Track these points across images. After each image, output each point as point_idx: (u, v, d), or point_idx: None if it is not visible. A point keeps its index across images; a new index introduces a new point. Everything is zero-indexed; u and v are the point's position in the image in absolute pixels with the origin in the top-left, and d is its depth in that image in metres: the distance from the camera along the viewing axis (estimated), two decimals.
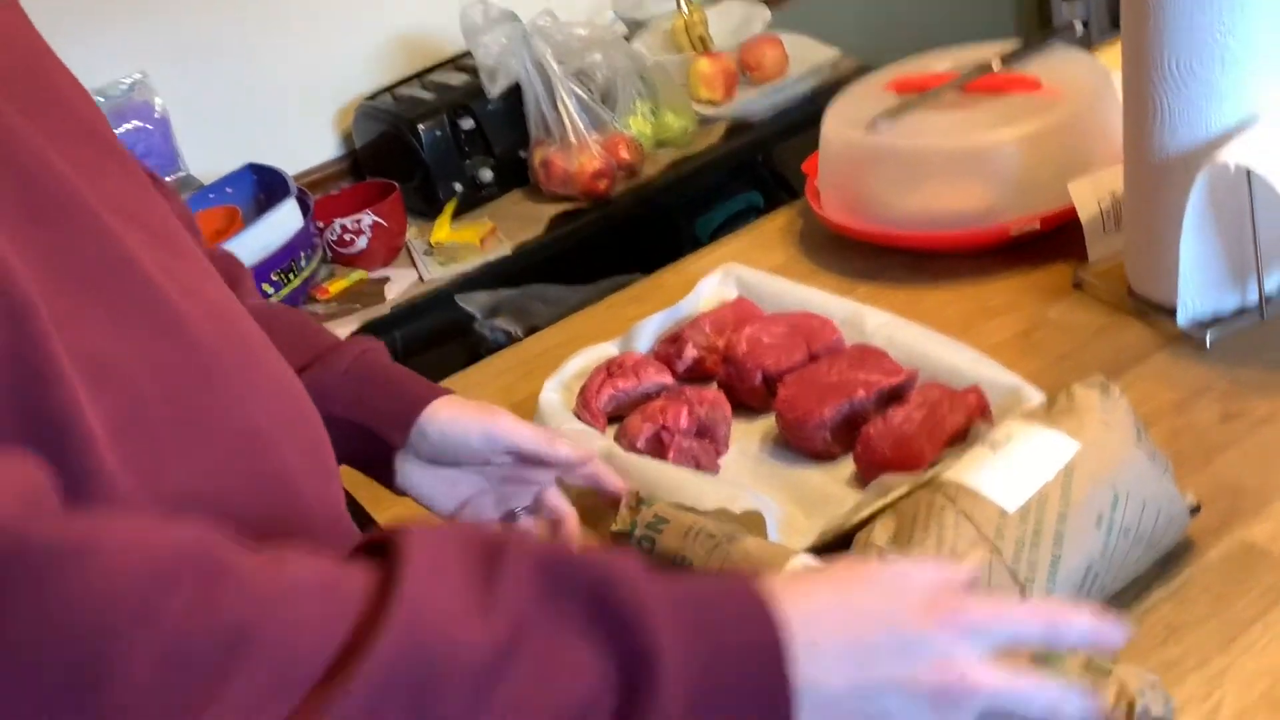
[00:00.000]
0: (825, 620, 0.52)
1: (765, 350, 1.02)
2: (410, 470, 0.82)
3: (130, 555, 0.44)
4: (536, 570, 0.50)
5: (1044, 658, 0.58)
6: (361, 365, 0.82)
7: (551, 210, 1.93)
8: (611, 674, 0.48)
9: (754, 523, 0.82)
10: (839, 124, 1.25)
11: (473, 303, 1.72)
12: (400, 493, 0.83)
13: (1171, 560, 0.78)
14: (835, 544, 0.83)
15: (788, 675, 0.50)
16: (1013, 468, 0.77)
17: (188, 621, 0.44)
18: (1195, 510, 0.79)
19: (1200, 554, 0.78)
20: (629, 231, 1.97)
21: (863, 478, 0.91)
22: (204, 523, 0.48)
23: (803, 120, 1.97)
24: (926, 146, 1.16)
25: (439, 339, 1.86)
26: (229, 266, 0.82)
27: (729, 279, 1.17)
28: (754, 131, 2.04)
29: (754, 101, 2.05)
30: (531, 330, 1.69)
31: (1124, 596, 0.76)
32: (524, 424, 0.82)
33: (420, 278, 1.86)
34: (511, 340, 1.68)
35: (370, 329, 1.75)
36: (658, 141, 2.00)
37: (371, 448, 0.80)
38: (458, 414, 0.81)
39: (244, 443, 0.57)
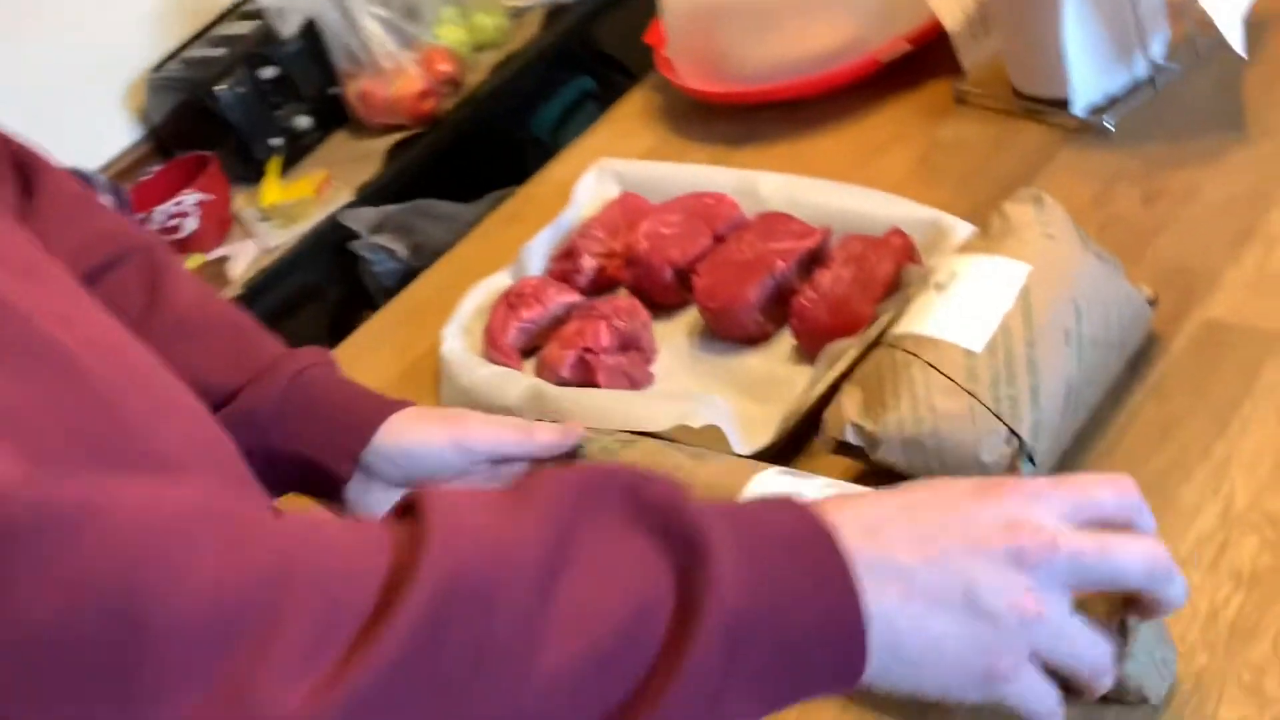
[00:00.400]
0: (879, 513, 0.48)
1: (668, 242, 0.96)
2: (375, 498, 0.73)
3: (142, 512, 0.40)
4: (568, 483, 0.46)
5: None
6: (298, 389, 0.73)
7: (383, 144, 1.82)
8: (666, 567, 0.44)
9: (714, 437, 0.77)
10: None
11: (357, 220, 1.62)
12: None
13: (1142, 359, 0.76)
14: (803, 427, 0.79)
15: (844, 552, 0.45)
16: (966, 305, 0.73)
17: (224, 568, 0.39)
18: (1153, 303, 0.76)
19: (1168, 345, 0.76)
20: (470, 145, 1.88)
21: (805, 351, 0.87)
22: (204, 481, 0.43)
23: None
24: None
25: (312, 295, 1.76)
26: (148, 262, 0.74)
27: (605, 176, 1.10)
28: (573, 13, 1.95)
29: None
30: (416, 249, 1.60)
31: (1106, 408, 0.74)
32: (496, 424, 0.74)
33: (263, 247, 1.74)
34: (395, 260, 1.59)
35: None
36: (475, 46, 1.90)
37: (316, 479, 0.73)
38: (422, 431, 0.73)
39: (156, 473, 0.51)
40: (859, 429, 0.72)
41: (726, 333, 0.91)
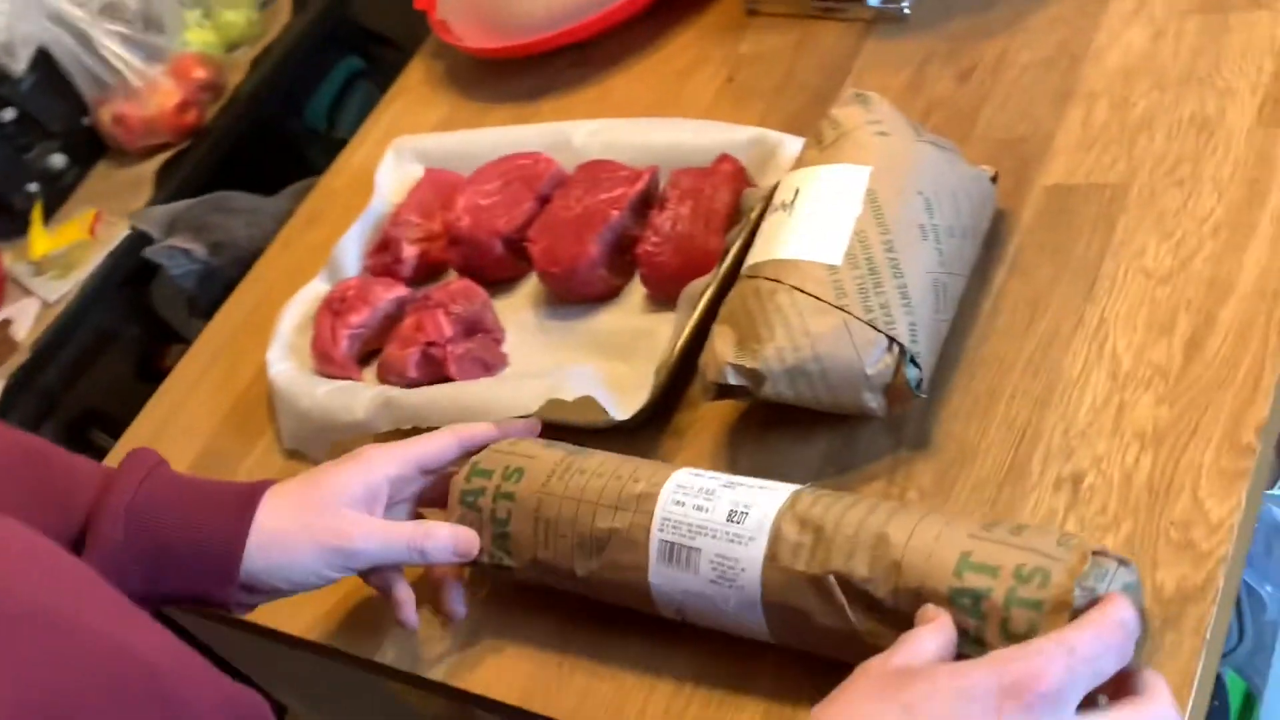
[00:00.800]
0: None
1: (490, 213, 0.91)
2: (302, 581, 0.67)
3: None
4: None
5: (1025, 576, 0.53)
6: (138, 527, 0.63)
7: (150, 166, 1.69)
8: None
9: (589, 407, 0.73)
10: None
11: (149, 221, 1.49)
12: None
13: (996, 238, 0.75)
14: (678, 377, 0.76)
15: None
16: (816, 220, 0.70)
17: None
18: (995, 179, 0.75)
19: (1017, 219, 0.75)
20: (244, 149, 1.77)
21: (659, 298, 0.83)
22: None
23: None
24: None
25: (110, 341, 1.64)
26: None
27: (405, 156, 1.03)
28: None
29: None
30: (216, 247, 1.48)
31: (973, 294, 0.73)
32: (381, 532, 0.67)
33: (45, 302, 1.60)
34: (193, 260, 1.47)
35: (20, 382, 1.51)
36: (228, 46, 1.77)
37: (200, 606, 0.66)
38: (288, 550, 0.65)
39: None
40: (739, 369, 0.68)
41: (573, 295, 0.86)
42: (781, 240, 0.71)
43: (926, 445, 0.68)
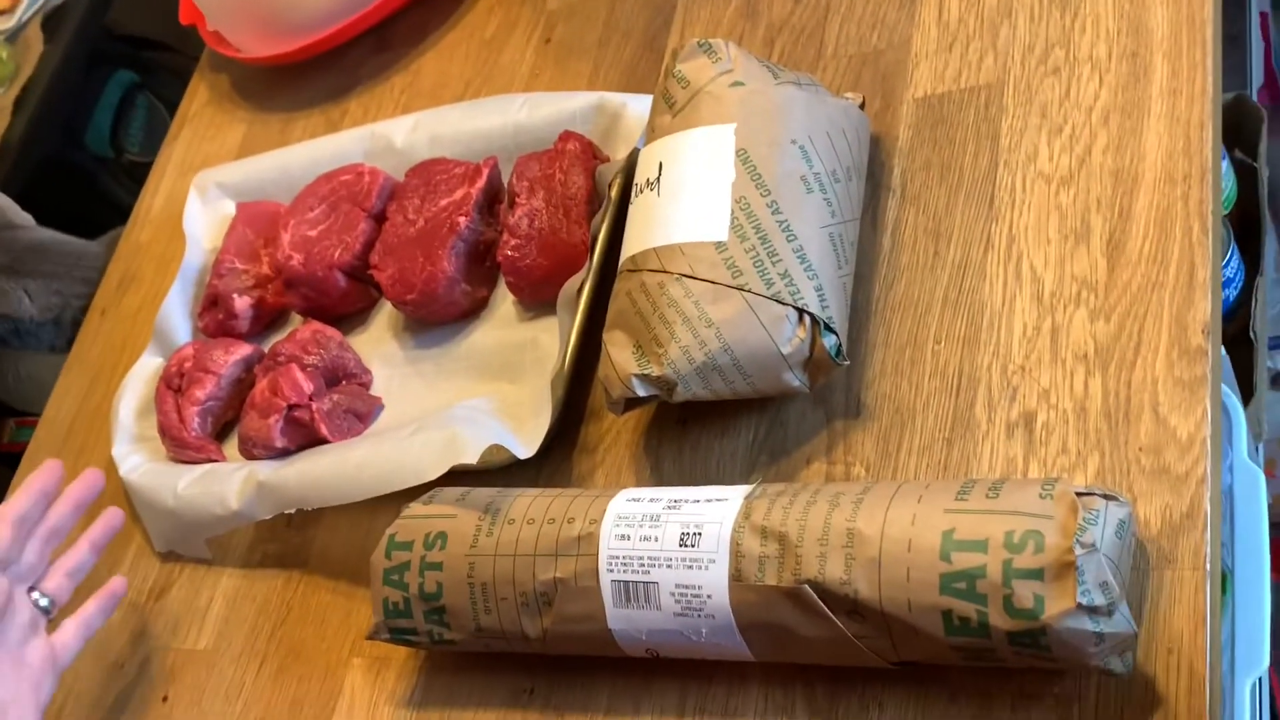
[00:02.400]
0: None
1: (321, 244, 0.82)
2: None
3: None
4: None
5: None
6: None
7: None
8: None
9: (497, 455, 0.66)
10: None
11: None
12: None
13: (876, 168, 0.69)
14: (573, 387, 0.69)
15: None
16: (688, 195, 0.64)
17: None
18: (863, 105, 0.70)
19: (892, 142, 0.70)
20: (33, 190, 1.62)
21: (530, 304, 0.76)
22: None
23: None
24: None
25: None
26: None
27: (210, 192, 0.93)
28: (72, 11, 1.68)
29: None
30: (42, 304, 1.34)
31: (870, 238, 0.67)
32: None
33: None
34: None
35: None
36: None
37: None
38: None
39: None
40: (645, 379, 0.62)
41: (437, 318, 0.78)
42: (656, 224, 0.64)
43: (860, 413, 0.62)
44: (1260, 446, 0.92)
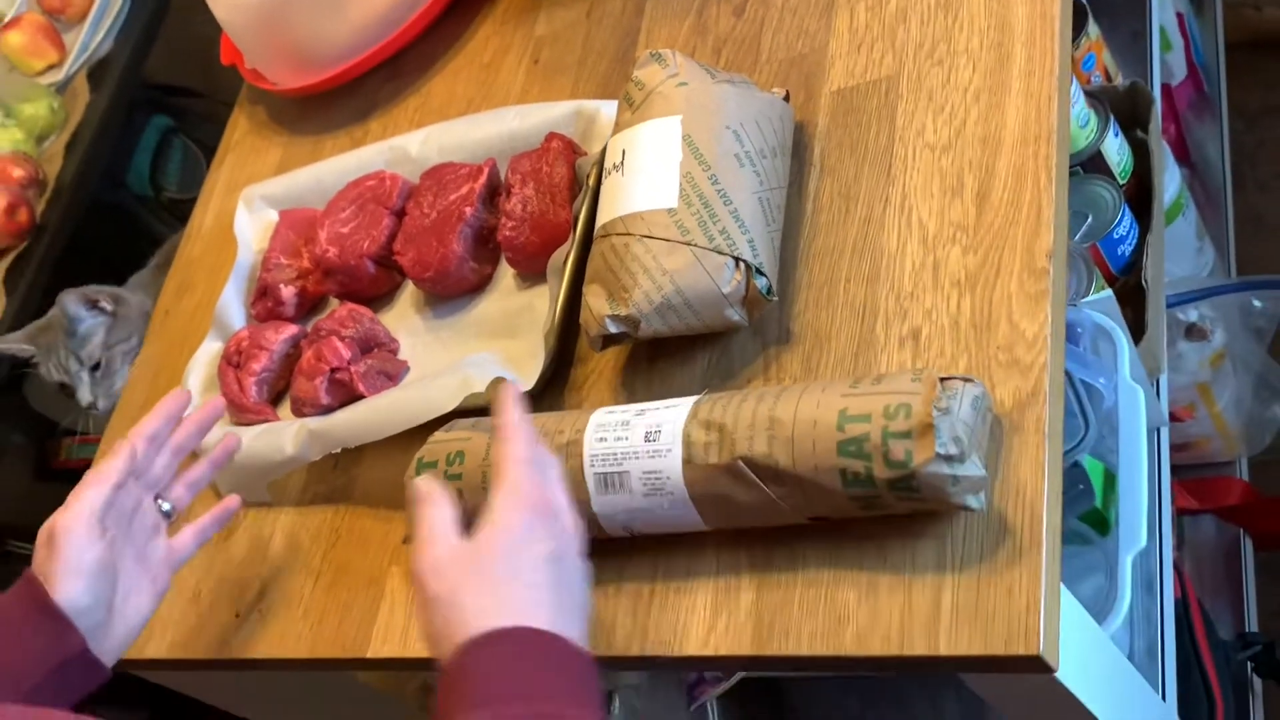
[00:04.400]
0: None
1: (353, 238, 0.98)
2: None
3: None
4: None
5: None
6: None
7: None
8: None
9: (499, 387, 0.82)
10: None
11: (11, 344, 1.48)
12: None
13: (801, 148, 0.85)
14: (566, 338, 0.85)
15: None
16: (645, 174, 0.80)
17: None
18: (787, 98, 0.85)
19: (814, 126, 0.86)
20: (85, 231, 1.79)
21: (527, 274, 0.92)
22: None
23: (150, 21, 1.82)
24: None
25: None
26: None
27: (255, 204, 1.09)
28: (115, 61, 1.85)
29: (91, 36, 1.85)
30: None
31: (794, 202, 0.83)
32: (81, 495, 0.77)
33: None
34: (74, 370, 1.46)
35: None
36: (38, 137, 1.78)
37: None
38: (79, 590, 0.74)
39: None
40: (615, 318, 0.78)
41: (450, 292, 0.94)
42: (621, 199, 0.80)
43: (788, 340, 0.78)
44: (1163, 381, 1.07)
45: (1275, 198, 1.71)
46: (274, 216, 1.08)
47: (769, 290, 0.77)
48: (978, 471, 0.63)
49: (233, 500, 0.88)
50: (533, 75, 1.05)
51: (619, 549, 0.76)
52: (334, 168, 1.06)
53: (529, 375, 0.83)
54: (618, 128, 0.84)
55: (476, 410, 0.82)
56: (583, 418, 0.75)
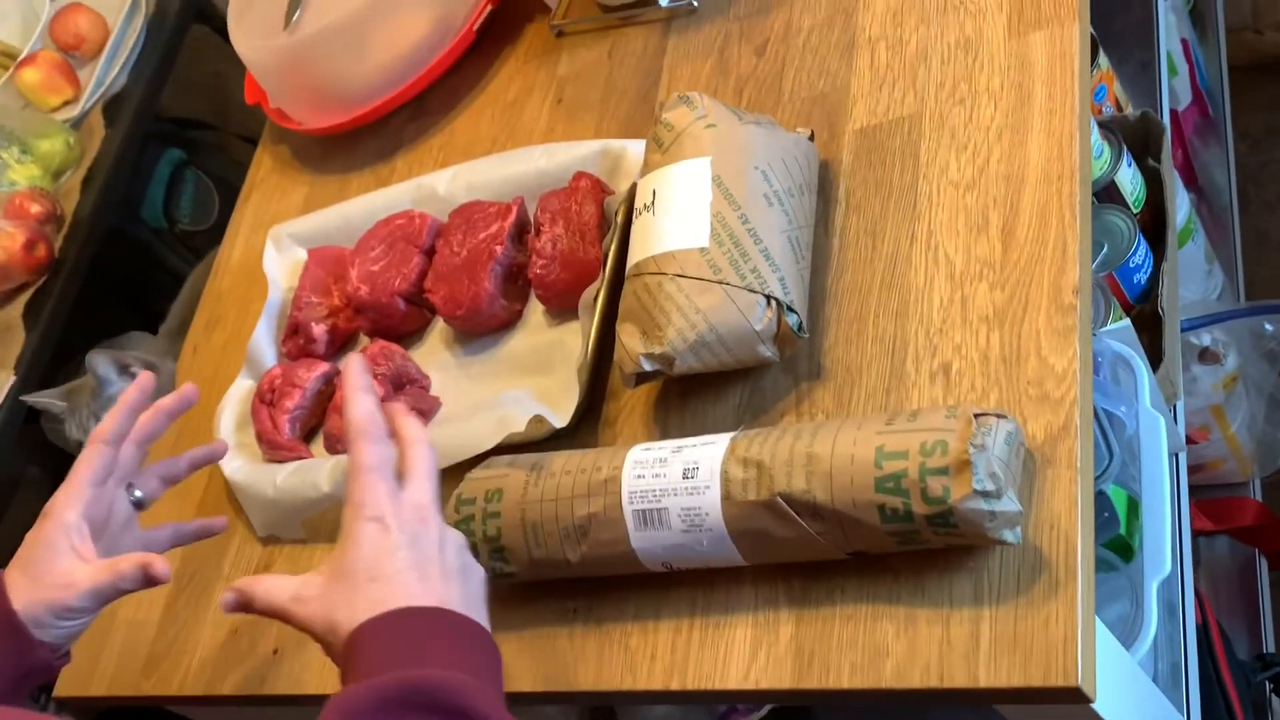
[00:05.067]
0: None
1: (383, 276, 1.00)
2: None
3: None
4: None
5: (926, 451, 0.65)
6: None
7: (15, 310, 1.71)
8: None
9: (539, 425, 0.83)
10: (250, 38, 1.18)
11: (44, 399, 1.51)
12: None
13: (826, 187, 0.87)
14: (596, 374, 0.86)
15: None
16: (676, 214, 0.81)
17: None
18: (812, 138, 0.87)
19: (839, 165, 0.88)
20: (102, 264, 1.81)
21: (557, 311, 0.94)
22: None
23: (163, 57, 1.84)
24: (355, 9, 1.11)
25: (19, 482, 1.67)
26: None
27: (284, 242, 1.11)
28: (130, 96, 1.88)
29: (106, 72, 1.87)
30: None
31: (822, 239, 0.85)
32: (66, 493, 0.79)
33: None
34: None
35: None
36: (54, 173, 1.80)
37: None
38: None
39: None
40: (650, 356, 0.79)
41: (481, 329, 0.96)
42: (653, 238, 0.82)
43: (820, 375, 0.80)
44: (1180, 407, 1.09)
45: None
46: (302, 255, 1.10)
47: (800, 327, 0.79)
48: (1014, 506, 0.65)
49: (220, 522, 0.90)
50: (556, 114, 1.07)
51: (657, 583, 0.77)
52: (362, 206, 1.07)
53: (564, 411, 0.85)
54: (647, 168, 0.85)
55: (514, 447, 0.84)
56: (619, 454, 0.76)
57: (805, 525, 0.69)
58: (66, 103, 1.87)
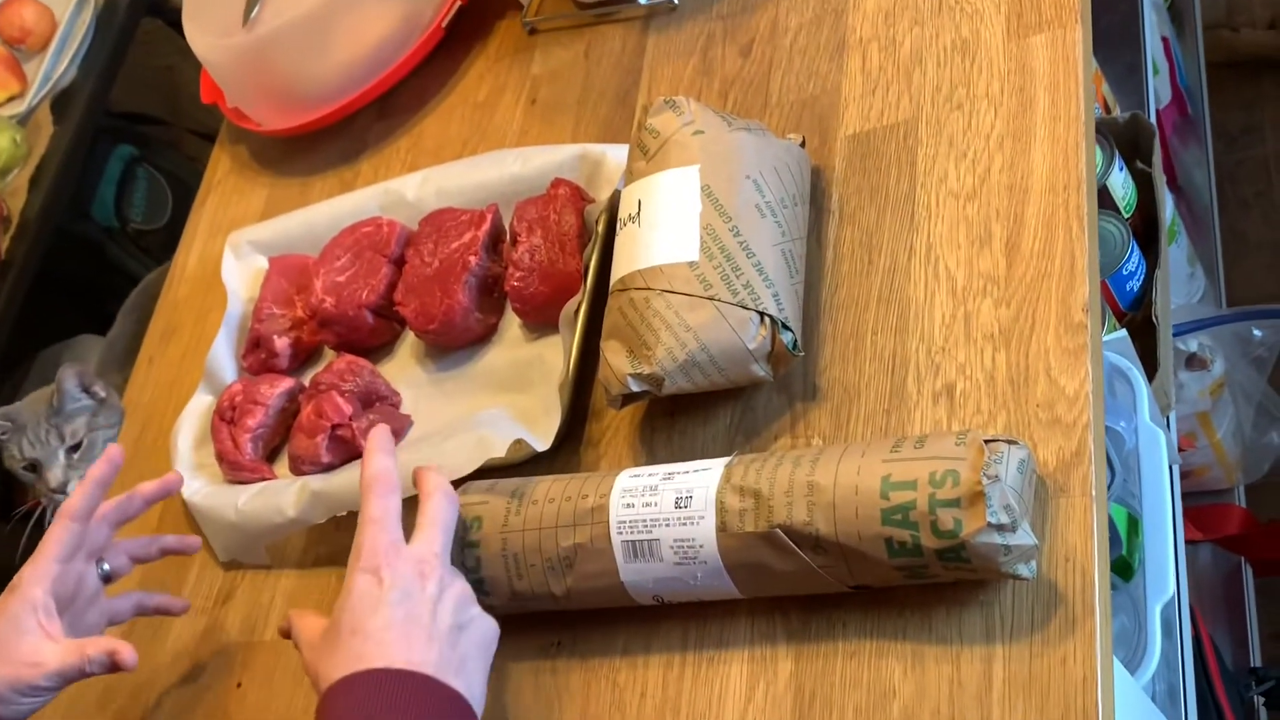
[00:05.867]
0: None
1: (350, 288, 0.95)
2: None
3: None
4: None
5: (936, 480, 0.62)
6: None
7: None
8: None
9: (520, 450, 0.79)
10: (206, 36, 1.12)
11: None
12: None
13: (818, 195, 0.83)
14: (577, 392, 0.82)
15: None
16: (664, 225, 0.77)
17: None
18: (803, 144, 0.83)
19: (830, 172, 0.84)
20: (52, 266, 1.74)
21: (534, 325, 0.89)
22: None
23: (114, 51, 1.78)
24: (317, 4, 1.06)
25: None
26: None
27: (244, 250, 1.06)
28: (79, 91, 1.81)
29: (54, 66, 1.80)
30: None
31: (815, 252, 0.81)
32: (34, 569, 0.78)
33: None
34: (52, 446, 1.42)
35: None
36: (1, 172, 1.73)
37: None
38: None
39: None
40: (638, 377, 0.75)
41: (455, 344, 0.91)
42: (639, 251, 0.77)
43: (815, 395, 0.76)
44: (1172, 417, 1.06)
45: (1257, 215, 1.72)
46: (263, 263, 1.04)
47: (795, 345, 0.75)
48: (1029, 540, 0.61)
49: (182, 604, 0.89)
50: (530, 115, 1.02)
51: (646, 615, 0.73)
52: (326, 212, 1.02)
53: (544, 432, 0.81)
54: (631, 176, 0.81)
55: (491, 470, 0.79)
56: (606, 481, 0.72)
57: (807, 558, 0.65)
58: (12, 98, 1.81)
